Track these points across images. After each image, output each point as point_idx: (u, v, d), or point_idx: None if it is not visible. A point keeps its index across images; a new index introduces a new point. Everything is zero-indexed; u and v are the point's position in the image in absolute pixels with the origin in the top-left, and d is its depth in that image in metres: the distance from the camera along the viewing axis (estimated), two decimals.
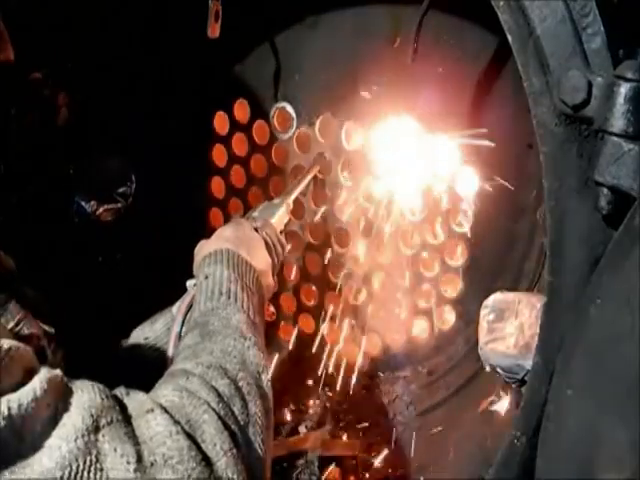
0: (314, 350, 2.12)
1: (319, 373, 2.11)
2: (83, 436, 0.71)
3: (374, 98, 1.81)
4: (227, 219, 2.16)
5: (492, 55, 1.61)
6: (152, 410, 0.80)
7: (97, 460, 0.71)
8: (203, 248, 1.31)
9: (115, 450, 0.72)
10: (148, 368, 1.41)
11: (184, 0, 1.85)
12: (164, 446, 0.77)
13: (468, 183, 1.77)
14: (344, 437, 1.98)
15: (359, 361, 2.07)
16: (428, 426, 1.84)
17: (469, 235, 1.80)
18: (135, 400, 0.83)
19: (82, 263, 2.02)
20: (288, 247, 1.50)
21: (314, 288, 2.11)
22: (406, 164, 1.82)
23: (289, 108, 1.95)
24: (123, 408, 0.80)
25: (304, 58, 1.90)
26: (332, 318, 2.08)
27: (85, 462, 0.70)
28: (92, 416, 0.73)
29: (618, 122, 0.83)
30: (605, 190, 0.87)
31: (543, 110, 0.92)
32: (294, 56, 1.90)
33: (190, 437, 0.80)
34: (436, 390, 1.88)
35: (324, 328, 2.10)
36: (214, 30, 1.55)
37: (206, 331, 1.05)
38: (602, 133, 0.86)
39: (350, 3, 1.76)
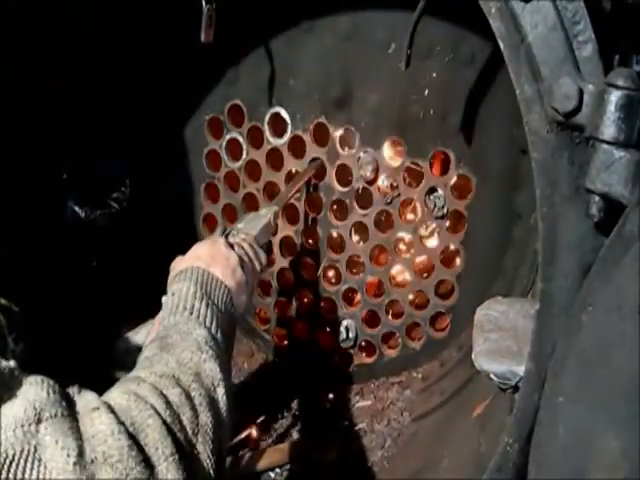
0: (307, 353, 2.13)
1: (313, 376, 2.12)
2: (22, 426, 0.72)
3: (368, 103, 1.82)
4: (222, 224, 2.16)
5: (486, 61, 1.62)
6: (98, 408, 0.81)
7: (35, 450, 0.71)
8: (177, 265, 1.32)
9: (56, 443, 0.73)
10: None
11: (180, 4, 1.87)
12: (105, 444, 0.77)
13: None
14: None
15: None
16: (423, 431, 1.84)
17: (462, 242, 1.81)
18: (84, 398, 0.83)
19: (76, 268, 2.02)
20: (265, 261, 1.51)
21: (307, 293, 2.11)
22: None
23: (283, 113, 1.95)
24: (71, 404, 0.80)
25: (299, 63, 1.90)
26: (326, 323, 2.09)
27: (22, 451, 0.71)
28: (35, 409, 0.74)
29: (609, 130, 0.83)
30: (596, 197, 0.87)
31: (535, 117, 0.92)
32: (289, 61, 1.90)
33: (132, 438, 0.81)
34: (430, 395, 1.87)
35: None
36: (208, 35, 1.54)
37: (165, 344, 1.06)
38: (593, 140, 0.86)
39: (345, 8, 1.77)
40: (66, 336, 1.92)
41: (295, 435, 2.03)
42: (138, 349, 1.39)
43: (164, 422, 0.87)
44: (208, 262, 1.28)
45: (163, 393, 0.92)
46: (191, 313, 1.13)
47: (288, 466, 1.94)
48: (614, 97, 0.83)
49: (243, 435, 1.98)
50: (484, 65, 1.62)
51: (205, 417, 0.95)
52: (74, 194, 1.90)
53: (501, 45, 0.93)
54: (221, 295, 1.24)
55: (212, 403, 0.98)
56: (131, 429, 0.82)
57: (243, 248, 1.43)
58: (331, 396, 2.10)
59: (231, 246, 1.39)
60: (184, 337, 1.07)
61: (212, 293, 1.22)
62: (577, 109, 0.87)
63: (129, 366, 1.46)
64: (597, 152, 0.85)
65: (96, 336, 2.03)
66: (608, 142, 0.84)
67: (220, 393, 1.02)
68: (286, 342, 2.19)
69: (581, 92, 0.87)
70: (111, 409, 0.83)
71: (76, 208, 1.89)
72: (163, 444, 0.84)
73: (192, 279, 1.22)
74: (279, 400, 2.11)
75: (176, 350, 1.03)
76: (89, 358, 1.61)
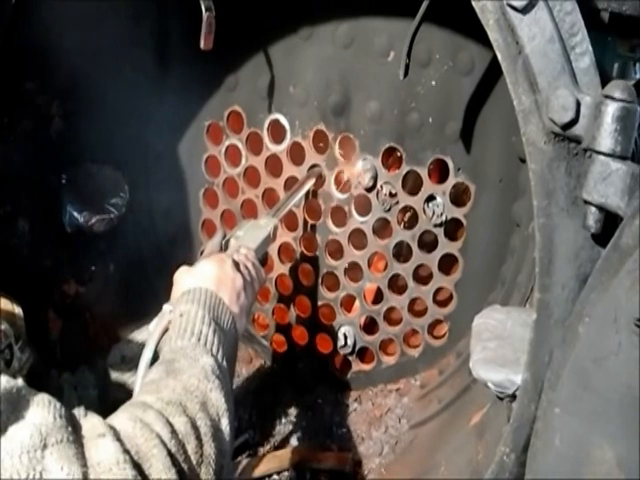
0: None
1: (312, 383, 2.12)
2: (28, 452, 0.72)
3: (367, 111, 1.82)
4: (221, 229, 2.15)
5: (485, 69, 1.62)
6: (104, 435, 0.81)
7: (41, 477, 0.72)
8: (183, 279, 1.31)
9: (62, 469, 0.73)
10: (125, 387, 1.42)
11: (181, 11, 1.88)
12: (110, 473, 0.78)
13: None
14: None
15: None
16: (420, 439, 1.84)
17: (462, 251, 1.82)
18: (90, 422, 0.84)
19: (75, 273, 2.03)
20: (264, 278, 1.52)
21: (306, 299, 2.11)
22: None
23: (283, 120, 1.96)
24: (77, 428, 0.81)
25: (298, 70, 1.90)
26: (324, 330, 2.08)
27: (27, 478, 0.71)
28: (41, 434, 0.74)
29: (606, 141, 0.84)
30: (593, 209, 0.87)
31: (532, 128, 0.93)
32: (288, 68, 1.91)
33: (137, 467, 0.81)
34: (428, 403, 1.87)
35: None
36: (207, 41, 1.55)
37: (172, 368, 1.06)
38: (590, 152, 0.87)
39: (345, 16, 1.77)
40: (64, 342, 1.93)
41: (293, 441, 2.02)
42: (136, 354, 1.40)
43: (169, 452, 0.87)
44: (216, 284, 1.28)
45: (169, 421, 0.92)
46: (199, 339, 1.13)
47: (286, 472, 1.94)
48: (611, 109, 0.83)
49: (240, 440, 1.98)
50: (483, 74, 1.63)
51: (209, 447, 0.95)
52: (73, 199, 1.90)
53: (499, 56, 0.94)
54: (227, 321, 1.24)
55: (217, 433, 0.99)
56: (136, 457, 0.83)
57: (247, 267, 1.43)
58: (329, 402, 2.09)
59: (236, 265, 1.39)
60: (191, 364, 1.07)
61: (219, 318, 1.22)
62: (574, 120, 0.87)
63: (126, 371, 1.47)
64: (594, 163, 0.86)
65: (93, 341, 2.04)
66: (605, 154, 0.84)
67: (225, 424, 1.02)
68: (284, 348, 2.19)
69: (578, 104, 0.87)
70: (117, 436, 0.83)
71: (75, 213, 1.89)
72: (167, 475, 0.84)
73: (200, 302, 1.21)
74: (277, 406, 2.11)
75: (183, 376, 1.03)
76: (86, 363, 1.61)
